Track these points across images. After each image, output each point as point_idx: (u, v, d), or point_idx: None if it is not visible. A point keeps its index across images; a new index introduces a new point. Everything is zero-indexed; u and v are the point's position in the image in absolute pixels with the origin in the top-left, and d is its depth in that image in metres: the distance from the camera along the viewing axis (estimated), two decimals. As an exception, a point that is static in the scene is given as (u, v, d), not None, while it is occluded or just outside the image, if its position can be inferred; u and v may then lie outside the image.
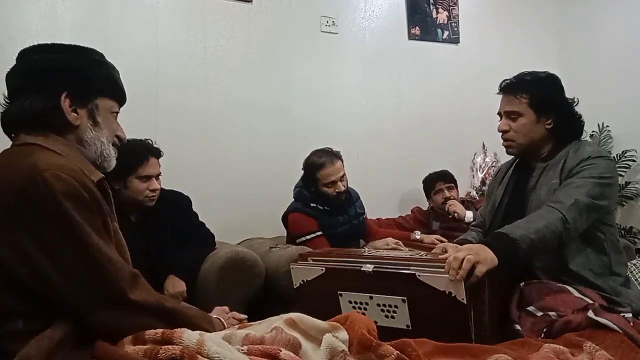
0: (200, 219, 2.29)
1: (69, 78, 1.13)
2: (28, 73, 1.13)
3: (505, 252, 1.37)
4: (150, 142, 2.07)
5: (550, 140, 1.69)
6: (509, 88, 1.71)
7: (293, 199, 2.59)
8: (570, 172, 1.59)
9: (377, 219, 3.01)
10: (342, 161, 2.51)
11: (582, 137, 1.73)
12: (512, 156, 1.84)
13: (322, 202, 2.49)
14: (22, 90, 1.11)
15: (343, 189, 2.47)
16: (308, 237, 2.45)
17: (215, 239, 2.32)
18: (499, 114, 1.75)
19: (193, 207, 2.27)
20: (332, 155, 2.48)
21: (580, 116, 1.72)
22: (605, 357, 1.15)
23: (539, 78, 1.70)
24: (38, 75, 1.12)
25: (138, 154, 1.99)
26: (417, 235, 2.74)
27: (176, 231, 2.14)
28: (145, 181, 2.00)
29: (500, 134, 1.74)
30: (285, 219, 2.61)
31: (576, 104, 1.72)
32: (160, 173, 2.08)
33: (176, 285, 1.99)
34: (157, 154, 2.07)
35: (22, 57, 1.16)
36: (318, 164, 2.45)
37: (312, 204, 2.49)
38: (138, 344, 0.97)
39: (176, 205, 2.19)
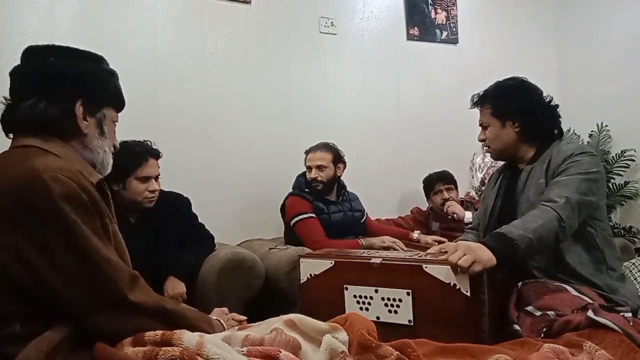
0: (199, 220, 2.29)
1: (86, 86, 1.15)
2: (42, 75, 1.12)
3: (503, 252, 1.37)
4: (150, 144, 2.07)
5: (525, 142, 1.76)
6: (476, 103, 1.84)
7: None
8: (555, 171, 1.62)
9: (377, 219, 3.01)
10: (332, 155, 2.65)
11: (580, 137, 1.75)
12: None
13: (309, 188, 2.65)
14: (34, 92, 1.11)
15: (315, 176, 2.61)
16: (302, 217, 2.54)
17: (215, 240, 2.32)
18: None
19: (192, 208, 2.27)
20: (320, 145, 2.68)
21: (553, 115, 1.76)
22: (605, 356, 1.15)
23: (500, 88, 1.80)
24: (53, 79, 1.12)
25: (137, 155, 1.99)
26: (415, 234, 2.75)
27: (175, 232, 2.13)
28: (144, 182, 2.00)
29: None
30: (283, 206, 2.68)
31: (549, 101, 1.77)
32: (160, 174, 2.08)
33: (176, 286, 1.99)
34: (156, 155, 2.07)
35: (33, 57, 1.15)
36: (307, 149, 2.70)
37: (306, 190, 2.65)
38: (138, 346, 0.97)
39: (175, 206, 2.18)
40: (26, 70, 1.14)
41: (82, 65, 1.16)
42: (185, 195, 2.25)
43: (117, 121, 1.26)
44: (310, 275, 1.53)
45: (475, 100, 1.84)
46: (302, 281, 1.55)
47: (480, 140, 1.85)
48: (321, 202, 2.62)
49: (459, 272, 1.30)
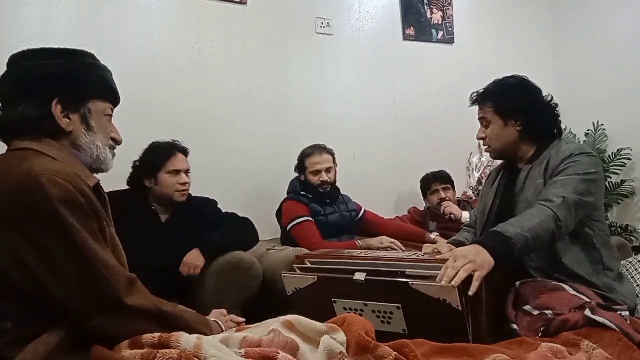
0: (229, 212, 2.34)
1: (60, 84, 1.12)
2: (19, 80, 1.12)
3: (501, 252, 1.37)
4: (178, 143, 2.19)
5: (526, 141, 1.75)
6: (476, 101, 1.81)
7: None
8: (554, 171, 1.61)
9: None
10: (333, 157, 2.67)
11: (576, 136, 1.75)
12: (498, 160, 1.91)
13: (310, 191, 2.62)
14: (15, 98, 1.11)
15: (327, 179, 2.62)
16: (299, 220, 2.53)
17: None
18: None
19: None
20: (322, 148, 2.67)
21: (554, 115, 1.75)
22: (603, 355, 1.15)
23: (502, 85, 1.78)
24: (29, 82, 1.11)
25: (165, 150, 2.13)
26: (433, 236, 2.69)
27: (207, 228, 2.17)
28: (174, 175, 2.10)
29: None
30: (279, 211, 2.68)
31: (550, 101, 1.76)
32: (189, 170, 2.18)
33: (195, 257, 2.04)
34: (184, 150, 2.19)
35: (13, 64, 1.15)
36: (307, 153, 2.67)
37: (302, 193, 2.64)
38: (135, 348, 0.96)
39: (203, 209, 2.25)
40: (6, 78, 1.14)
41: (54, 63, 1.13)
42: (212, 198, 2.32)
43: (109, 114, 1.21)
44: (296, 289, 1.47)
45: (475, 98, 1.81)
46: (288, 294, 1.50)
47: (480, 139, 1.82)
48: (317, 204, 2.62)
49: (449, 287, 1.24)
